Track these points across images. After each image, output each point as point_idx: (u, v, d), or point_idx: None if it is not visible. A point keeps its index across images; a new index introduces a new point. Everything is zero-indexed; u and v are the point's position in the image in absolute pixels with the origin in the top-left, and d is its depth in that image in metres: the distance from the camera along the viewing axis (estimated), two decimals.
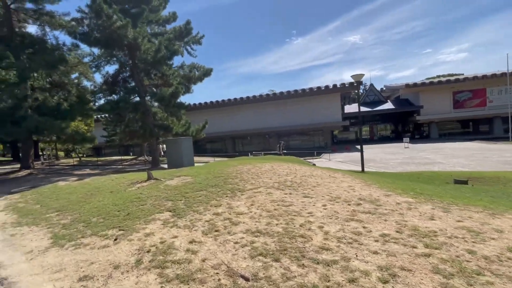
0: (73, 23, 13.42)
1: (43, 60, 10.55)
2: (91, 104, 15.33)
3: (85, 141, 14.06)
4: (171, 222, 3.74)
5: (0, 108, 12.88)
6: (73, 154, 41.27)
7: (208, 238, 3.07)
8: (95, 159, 26.42)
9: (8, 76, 12.01)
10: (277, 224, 3.21)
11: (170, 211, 4.22)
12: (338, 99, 28.65)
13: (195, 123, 16.57)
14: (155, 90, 16.15)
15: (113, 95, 15.70)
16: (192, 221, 3.65)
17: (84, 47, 14.43)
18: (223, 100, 31.73)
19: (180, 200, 4.63)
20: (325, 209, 3.55)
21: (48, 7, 13.71)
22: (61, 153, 39.10)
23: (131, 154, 41.57)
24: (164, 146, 24.15)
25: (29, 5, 13.37)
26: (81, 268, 2.75)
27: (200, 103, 32.03)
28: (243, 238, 2.96)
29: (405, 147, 23.82)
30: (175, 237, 3.21)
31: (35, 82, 13.65)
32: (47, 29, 14.01)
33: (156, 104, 15.96)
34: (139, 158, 23.94)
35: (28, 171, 12.57)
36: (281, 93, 29.04)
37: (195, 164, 12.35)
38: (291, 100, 29.52)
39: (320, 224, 3.11)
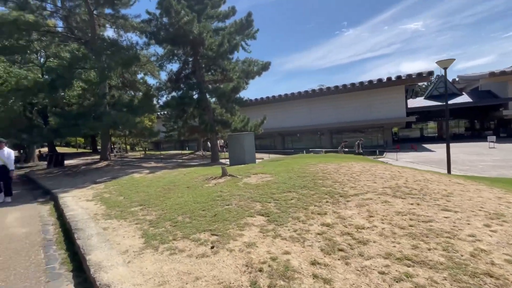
0: (143, 24, 14.22)
1: (120, 59, 11.27)
2: (156, 100, 16.21)
3: (152, 135, 14.83)
4: (270, 230, 3.13)
5: (84, 105, 14.34)
6: (136, 148, 45.52)
7: (334, 260, 2.35)
8: (158, 152, 28.44)
9: (90, 76, 13.25)
10: (430, 250, 2.31)
11: (262, 215, 3.65)
12: (402, 92, 25.55)
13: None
14: (215, 86, 16.29)
15: (177, 92, 16.33)
16: (298, 232, 2.98)
17: (150, 49, 15.21)
18: (273, 96, 31.05)
19: (269, 202, 4.04)
20: (492, 231, 2.52)
21: (123, 11, 14.82)
22: (126, 147, 43.13)
23: (187, 148, 43.96)
24: (222, 141, 24.71)
25: (107, 10, 14.59)
26: (186, 284, 2.29)
27: (250, 99, 31.91)
28: (388, 266, 2.15)
29: (490, 147, 19.98)
30: (287, 253, 2.57)
31: (111, 81, 14.83)
32: (121, 31, 15.15)
33: (212, 99, 16.10)
34: (196, 153, 24.88)
35: (106, 162, 13.75)
36: (336, 87, 27.00)
37: (256, 161, 11.93)
38: (346, 94, 27.34)
39: (506, 257, 2.12)
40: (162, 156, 24.30)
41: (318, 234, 2.88)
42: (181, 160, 21.23)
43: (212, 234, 3.28)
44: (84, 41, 13.57)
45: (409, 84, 25.85)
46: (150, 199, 5.33)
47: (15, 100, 17.63)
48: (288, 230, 3.09)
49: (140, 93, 17.30)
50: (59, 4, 13.91)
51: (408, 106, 27.59)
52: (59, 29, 14.68)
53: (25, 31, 12.37)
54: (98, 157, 26.23)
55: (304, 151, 22.70)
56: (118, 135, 21.69)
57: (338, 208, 3.49)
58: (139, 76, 20.12)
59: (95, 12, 13.95)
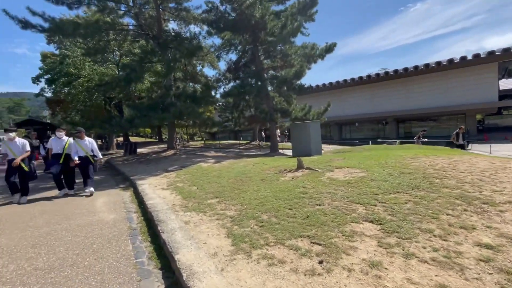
0: (204, 14, 14.30)
1: (185, 49, 11.47)
2: (214, 92, 16.42)
3: (215, 125, 15.02)
4: (394, 246, 2.37)
5: (153, 98, 15.26)
6: (195, 137, 48.41)
7: None
8: (215, 142, 29.52)
9: (158, 69, 13.93)
10: None
11: (371, 221, 2.89)
12: (493, 71, 20.94)
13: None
14: (274, 73, 15.66)
15: (235, 81, 16.25)
16: (443, 254, 2.15)
17: (209, 41, 15.24)
18: (330, 83, 28.81)
19: (374, 205, 3.24)
20: None
21: (185, 3, 15.14)
22: (187, 137, 45.94)
23: (241, 138, 44.79)
24: (278, 131, 24.21)
25: (171, 4, 15.07)
26: None
27: (309, 86, 30.18)
28: None
29: None
30: (444, 287, 1.80)
31: (175, 74, 15.44)
32: (183, 24, 15.56)
33: (269, 88, 15.50)
34: (252, 143, 24.93)
35: (173, 151, 14.52)
36: (406, 69, 23.48)
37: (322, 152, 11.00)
38: (417, 77, 23.68)
39: None
40: (220, 146, 25.06)
41: (481, 260, 2.00)
42: (238, 150, 21.47)
43: (313, 243, 2.67)
44: (152, 35, 14.28)
45: (503, 62, 21.04)
46: (224, 191, 5.03)
47: (98, 95, 20.09)
48: (424, 248, 2.28)
49: (200, 85, 17.77)
50: (131, 3, 14.89)
51: (500, 89, 22.58)
52: (131, 27, 15.79)
53: (104, 31, 13.57)
54: (164, 146, 28.58)
55: (370, 142, 20.66)
56: (181, 126, 22.98)
57: (490, 221, 2.51)
58: (198, 68, 20.80)
59: (161, 7, 14.52)
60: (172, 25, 16.59)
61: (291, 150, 16.90)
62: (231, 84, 16.54)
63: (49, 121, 37.17)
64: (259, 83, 13.68)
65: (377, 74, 26.34)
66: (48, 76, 19.99)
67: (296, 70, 11.88)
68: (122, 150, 22.29)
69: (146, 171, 9.19)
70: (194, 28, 15.38)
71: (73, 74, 17.74)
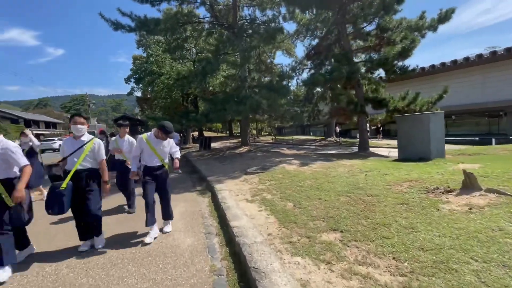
0: None
1: (264, 34, 10.11)
2: (287, 82, 14.69)
3: (296, 118, 13.33)
4: None
5: (227, 91, 14.56)
6: (262, 133, 48.00)
7: None
8: (286, 138, 28.01)
9: (232, 58, 13.04)
10: None
11: None
12: None
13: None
14: (364, 56, 12.96)
15: (315, 68, 14.18)
16: None
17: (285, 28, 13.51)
18: (422, 68, 23.33)
19: None
20: None
21: None
22: (254, 132, 45.70)
23: (310, 134, 42.19)
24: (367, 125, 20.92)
25: None
26: None
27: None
28: None
29: None
30: None
31: (250, 65, 14.35)
32: (260, 8, 14.28)
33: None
34: (328, 139, 22.39)
35: (247, 147, 13.55)
36: None
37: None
38: None
39: None
40: (291, 142, 23.41)
41: None
42: (313, 147, 19.38)
43: None
44: (227, 25, 13.49)
45: None
46: (342, 219, 3.28)
47: (176, 91, 21.03)
48: None
49: (274, 76, 16.33)
50: None
51: None
52: (206, 19, 15.43)
53: (182, 25, 13.41)
54: (235, 141, 28.70)
55: (493, 139, 15.72)
56: (256, 121, 22.17)
57: None
58: (269, 61, 19.47)
59: None
60: (247, 12, 15.52)
61: (384, 150, 13.98)
62: (306, 73, 14.57)
63: (139, 117, 42.38)
64: (348, 67, 11.30)
65: (493, 52, 20.00)
66: (136, 75, 21.95)
67: (404, 46, 9.09)
68: (198, 144, 23.00)
69: (223, 171, 8.21)
70: (270, 14, 13.93)
71: (155, 72, 18.83)
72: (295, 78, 17.11)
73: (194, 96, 24.70)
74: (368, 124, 13.24)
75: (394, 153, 10.37)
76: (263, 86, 11.53)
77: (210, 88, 18.86)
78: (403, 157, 8.34)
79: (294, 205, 4.14)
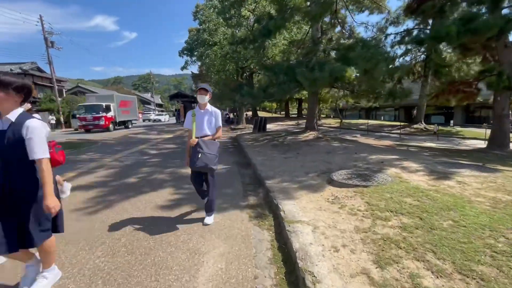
0: None
1: None
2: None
3: (403, 95, 9.13)
4: None
5: (290, 60, 11.37)
6: (320, 115, 43.18)
7: None
8: (356, 122, 23.60)
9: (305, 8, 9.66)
10: None
11: None
12: None
13: None
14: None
15: (419, 26, 9.84)
16: None
17: None
18: None
19: None
20: None
21: None
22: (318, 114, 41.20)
23: (381, 118, 36.13)
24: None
25: None
26: None
27: None
28: None
29: None
30: None
31: (323, 23, 10.76)
32: None
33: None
34: (414, 126, 17.49)
35: (313, 133, 10.44)
36: None
37: None
38: None
39: None
40: (363, 127, 19.17)
41: None
42: (395, 135, 15.06)
43: None
44: None
45: None
46: None
47: (230, 63, 18.68)
48: None
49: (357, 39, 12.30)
50: None
51: None
52: None
53: None
54: (292, 123, 25.51)
55: None
56: (326, 100, 18.51)
57: None
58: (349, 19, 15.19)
59: None
60: None
61: None
62: (399, 37, 10.22)
63: (195, 95, 42.36)
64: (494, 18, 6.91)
65: None
66: (189, 48, 20.26)
67: None
68: (251, 126, 20.68)
69: (289, 169, 5.41)
70: None
71: (208, 41, 16.73)
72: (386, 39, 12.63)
73: (250, 72, 22.08)
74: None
75: None
76: (349, 47, 8.00)
77: (269, 59, 15.86)
78: None
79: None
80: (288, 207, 3.37)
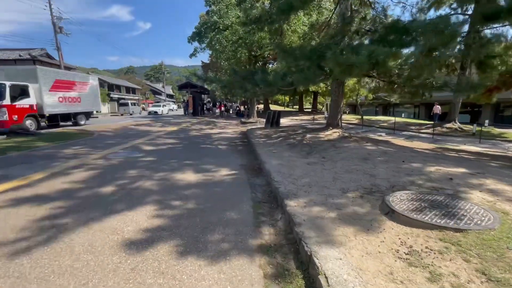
0: None
1: None
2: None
3: (465, 90, 7.22)
4: None
5: (312, 44, 9.73)
6: (320, 108, 40.94)
7: None
8: (376, 119, 21.69)
9: None
10: None
11: None
12: None
13: None
14: None
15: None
16: None
17: None
18: None
19: None
20: None
21: None
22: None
23: (402, 116, 33.89)
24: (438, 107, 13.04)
25: None
26: None
27: None
28: None
29: None
30: None
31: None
32: None
33: None
34: (446, 126, 15.53)
35: (337, 131, 8.88)
36: None
37: None
38: None
39: None
40: (385, 125, 17.33)
41: None
42: (425, 135, 13.24)
43: None
44: None
45: None
46: None
47: (242, 50, 17.07)
48: None
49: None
50: None
51: None
52: None
53: None
54: (307, 118, 23.74)
55: None
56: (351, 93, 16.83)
57: None
58: None
59: None
60: None
61: None
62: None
63: (205, 86, 40.95)
64: None
65: None
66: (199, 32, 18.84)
67: None
68: (263, 120, 19.19)
69: (314, 180, 3.95)
70: None
71: (218, 24, 15.25)
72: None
73: (263, 61, 20.46)
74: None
75: None
76: (393, 26, 6.28)
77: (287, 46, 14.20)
78: None
79: None
80: (332, 266, 1.93)
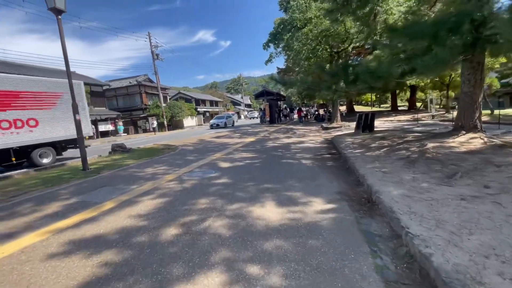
0: None
1: None
2: None
3: None
4: None
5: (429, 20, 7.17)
6: (418, 106, 33.04)
7: None
8: (503, 112, 15.88)
9: None
10: None
11: None
12: None
13: None
14: None
15: None
16: None
17: None
18: None
19: None
20: None
21: None
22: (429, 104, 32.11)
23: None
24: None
25: None
26: None
27: None
28: None
29: None
30: None
31: None
32: None
33: None
34: None
35: (476, 136, 6.03)
36: None
37: None
38: None
39: None
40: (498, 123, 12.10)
41: None
42: None
43: None
44: None
45: None
46: None
47: (323, 47, 15.34)
48: None
49: None
50: None
51: None
52: None
53: None
54: (406, 118, 19.44)
55: None
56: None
57: None
58: None
59: None
60: None
61: None
62: None
63: (281, 92, 40.27)
64: None
65: None
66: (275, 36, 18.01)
67: None
68: (349, 124, 16.62)
69: (487, 237, 1.98)
70: None
71: (298, 22, 13.97)
72: None
73: (346, 58, 17.91)
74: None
75: None
76: None
77: (377, 35, 11.63)
78: None
79: None
80: None
